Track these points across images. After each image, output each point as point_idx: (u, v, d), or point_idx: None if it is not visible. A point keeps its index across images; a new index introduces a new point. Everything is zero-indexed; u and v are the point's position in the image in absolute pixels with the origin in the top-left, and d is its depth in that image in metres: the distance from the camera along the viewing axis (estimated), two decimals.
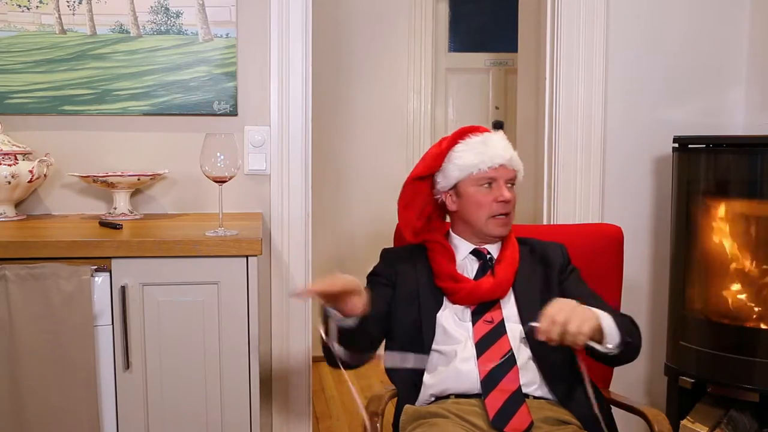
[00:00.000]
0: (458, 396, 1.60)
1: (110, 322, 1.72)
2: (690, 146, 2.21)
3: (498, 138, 1.75)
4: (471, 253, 1.76)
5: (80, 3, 2.18)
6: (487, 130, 1.78)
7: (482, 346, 1.62)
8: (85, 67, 2.20)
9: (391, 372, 1.72)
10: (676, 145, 2.25)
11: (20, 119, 2.19)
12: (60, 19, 2.18)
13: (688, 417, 2.21)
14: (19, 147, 2.08)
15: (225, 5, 2.23)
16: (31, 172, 2.05)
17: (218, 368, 1.76)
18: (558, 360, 1.61)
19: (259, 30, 2.25)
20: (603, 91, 2.38)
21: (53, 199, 2.24)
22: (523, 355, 1.62)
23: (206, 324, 1.75)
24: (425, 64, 3.93)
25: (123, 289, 1.70)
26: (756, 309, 2.14)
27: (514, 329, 1.65)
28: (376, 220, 3.79)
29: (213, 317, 1.75)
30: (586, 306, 1.47)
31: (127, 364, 1.73)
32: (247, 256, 1.74)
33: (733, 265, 2.18)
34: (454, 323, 1.68)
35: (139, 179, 2.11)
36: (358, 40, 3.78)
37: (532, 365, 1.62)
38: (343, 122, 3.80)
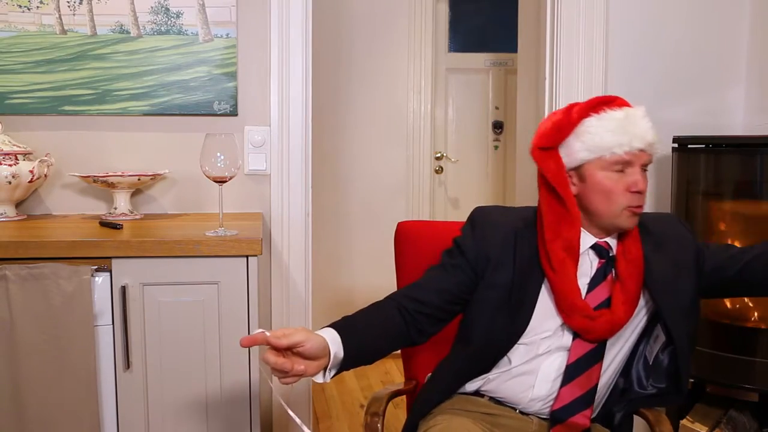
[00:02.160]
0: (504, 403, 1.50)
1: (110, 322, 1.72)
2: (690, 146, 2.21)
3: (641, 115, 1.43)
4: (591, 248, 1.47)
5: (80, 3, 2.19)
6: (626, 104, 1.47)
7: (572, 371, 1.44)
8: (85, 67, 2.20)
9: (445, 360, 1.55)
10: (676, 145, 2.26)
11: (21, 119, 2.19)
12: (60, 19, 2.19)
13: (687, 417, 2.21)
14: (19, 147, 2.08)
15: (225, 5, 2.23)
16: (31, 172, 2.05)
17: (218, 368, 1.76)
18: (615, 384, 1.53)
19: (259, 30, 2.25)
20: (603, 91, 2.38)
21: (53, 199, 2.24)
22: (602, 381, 1.48)
23: (206, 324, 1.75)
24: (425, 64, 3.93)
25: (123, 289, 1.70)
26: (756, 309, 2.14)
27: (612, 347, 1.47)
28: (376, 220, 3.79)
29: (213, 317, 1.75)
30: None
31: (128, 364, 1.73)
32: (247, 256, 1.74)
33: None
34: (548, 317, 1.45)
35: (139, 179, 2.11)
36: (358, 40, 3.78)
37: (602, 392, 1.50)
38: (343, 122, 3.80)
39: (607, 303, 1.44)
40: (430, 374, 1.61)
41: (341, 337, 1.34)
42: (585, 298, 1.45)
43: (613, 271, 1.47)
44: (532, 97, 2.71)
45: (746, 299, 2.16)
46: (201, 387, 1.76)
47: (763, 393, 2.04)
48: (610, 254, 1.47)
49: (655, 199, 2.46)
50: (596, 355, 1.45)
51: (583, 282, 1.46)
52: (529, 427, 1.48)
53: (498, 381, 1.49)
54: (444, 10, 4.05)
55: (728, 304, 2.19)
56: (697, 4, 2.42)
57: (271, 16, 2.24)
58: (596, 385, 1.45)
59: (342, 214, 3.85)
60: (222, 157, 1.76)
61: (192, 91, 2.24)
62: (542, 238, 1.45)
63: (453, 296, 1.48)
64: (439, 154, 4.08)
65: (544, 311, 1.46)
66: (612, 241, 1.48)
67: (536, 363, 1.46)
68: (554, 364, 1.46)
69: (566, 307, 1.43)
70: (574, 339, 1.45)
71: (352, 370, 1.42)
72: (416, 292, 1.48)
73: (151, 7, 2.21)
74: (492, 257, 1.47)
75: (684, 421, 2.20)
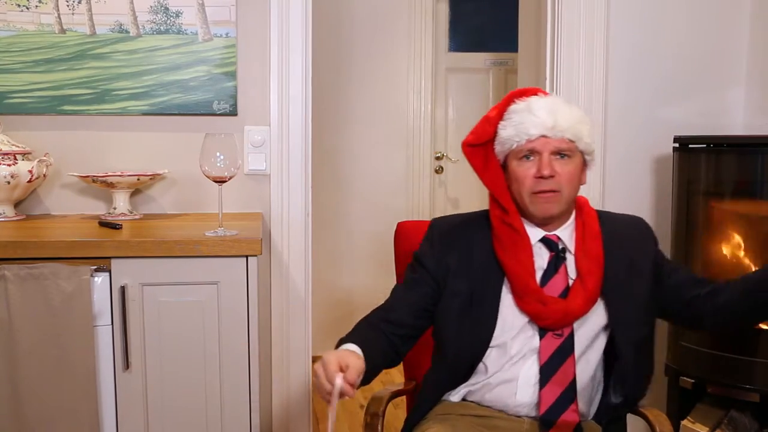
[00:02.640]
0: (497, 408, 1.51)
1: (110, 322, 1.72)
2: (690, 146, 2.21)
3: (544, 102, 1.47)
4: (540, 241, 1.51)
5: (80, 3, 2.18)
6: (537, 93, 1.51)
7: (547, 371, 1.44)
8: (84, 66, 2.20)
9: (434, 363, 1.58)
10: (677, 144, 2.25)
11: (20, 119, 2.18)
12: (59, 18, 2.18)
13: (688, 417, 2.20)
14: (18, 147, 2.08)
15: (225, 5, 2.22)
16: (30, 172, 2.05)
17: (218, 368, 1.76)
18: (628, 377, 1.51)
19: (259, 30, 2.25)
20: (603, 91, 2.38)
21: (53, 199, 2.24)
22: (584, 376, 1.48)
23: (206, 324, 1.75)
24: (425, 64, 3.93)
25: (123, 289, 1.70)
26: None
27: (583, 338, 1.48)
28: (376, 220, 3.79)
29: (213, 317, 1.75)
30: None
31: (127, 364, 1.73)
32: (247, 256, 1.73)
33: (733, 265, 2.17)
34: (513, 316, 1.47)
35: (138, 179, 2.11)
36: (358, 40, 3.78)
37: (588, 387, 1.50)
38: (343, 122, 3.80)
39: (564, 295, 1.47)
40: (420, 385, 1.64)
41: (363, 354, 1.39)
42: (542, 288, 1.48)
43: (574, 267, 1.49)
44: None
45: None
46: (200, 387, 1.76)
47: (764, 393, 2.04)
48: (560, 246, 1.50)
49: (656, 199, 2.46)
50: (566, 349, 1.46)
51: (537, 275, 1.49)
52: (521, 427, 1.48)
53: (481, 392, 1.51)
54: (444, 10, 4.05)
55: None
56: (697, 5, 2.42)
57: (271, 16, 2.23)
58: (574, 379, 1.45)
59: (342, 214, 3.85)
60: (222, 157, 1.76)
61: (191, 90, 2.24)
62: (493, 230, 1.51)
63: (420, 310, 1.53)
64: (439, 154, 4.07)
65: (508, 310, 1.48)
66: (563, 234, 1.51)
67: (514, 370, 1.47)
68: (531, 370, 1.47)
69: (520, 290, 1.46)
70: (540, 339, 1.46)
71: None
72: (390, 314, 1.52)
73: (151, 7, 2.21)
74: (451, 265, 1.52)
75: (685, 422, 2.19)
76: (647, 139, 2.43)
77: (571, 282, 1.48)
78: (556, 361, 1.45)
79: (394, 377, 3.37)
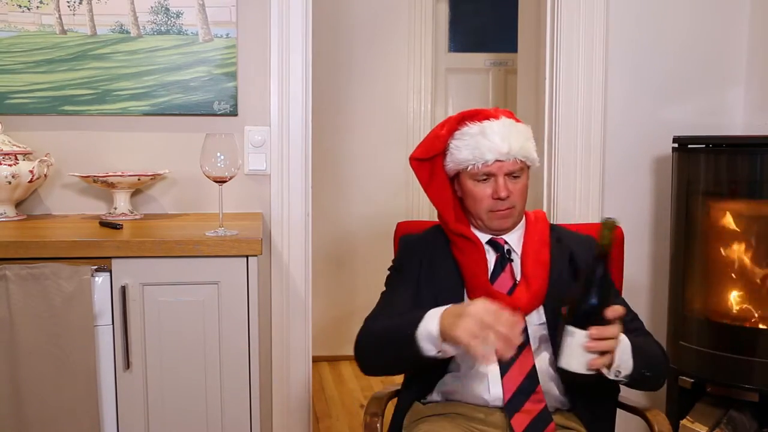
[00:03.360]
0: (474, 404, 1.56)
1: (110, 322, 1.72)
2: (690, 146, 2.21)
3: (497, 127, 1.56)
4: (487, 243, 1.63)
5: (80, 3, 2.19)
6: (489, 116, 1.60)
7: (507, 361, 1.48)
8: (85, 67, 2.20)
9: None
10: (676, 145, 2.26)
11: (21, 119, 2.19)
12: (60, 19, 2.19)
13: (687, 417, 2.21)
14: (19, 147, 2.08)
15: (225, 5, 2.23)
16: (31, 172, 2.05)
17: (218, 368, 1.76)
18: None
19: (259, 30, 2.25)
20: (603, 91, 2.38)
21: (53, 199, 2.24)
22: (544, 364, 1.55)
23: (206, 324, 1.75)
24: (425, 64, 3.93)
25: (123, 289, 1.70)
26: (756, 309, 2.14)
27: (538, 332, 1.56)
28: (376, 220, 3.79)
29: (213, 317, 1.75)
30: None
31: (127, 364, 1.73)
32: (247, 256, 1.74)
33: (733, 265, 2.18)
34: None
35: (139, 179, 2.11)
36: (358, 40, 3.78)
37: (552, 375, 1.55)
38: (343, 122, 3.80)
39: (511, 293, 1.57)
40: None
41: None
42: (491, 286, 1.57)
43: (519, 269, 1.59)
44: (532, 97, 2.71)
45: (746, 299, 2.16)
46: (201, 387, 1.76)
47: (763, 393, 2.04)
48: (506, 248, 1.62)
49: (655, 199, 2.46)
50: (522, 343, 1.46)
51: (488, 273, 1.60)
52: (499, 420, 1.53)
53: (460, 391, 1.56)
54: (444, 10, 4.05)
55: (728, 304, 2.19)
56: (697, 4, 2.42)
57: (271, 16, 2.24)
58: (533, 366, 1.52)
59: (342, 214, 3.85)
60: (222, 157, 1.76)
61: (192, 91, 2.24)
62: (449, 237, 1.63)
63: (412, 305, 1.59)
64: None
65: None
66: (511, 238, 1.63)
67: (483, 366, 1.52)
68: (495, 363, 1.49)
69: (473, 285, 1.57)
70: None
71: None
72: (394, 311, 1.58)
73: (151, 7, 2.21)
74: (420, 275, 1.62)
75: (684, 421, 2.20)
76: (647, 139, 2.43)
77: (518, 281, 1.58)
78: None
79: (394, 377, 3.37)
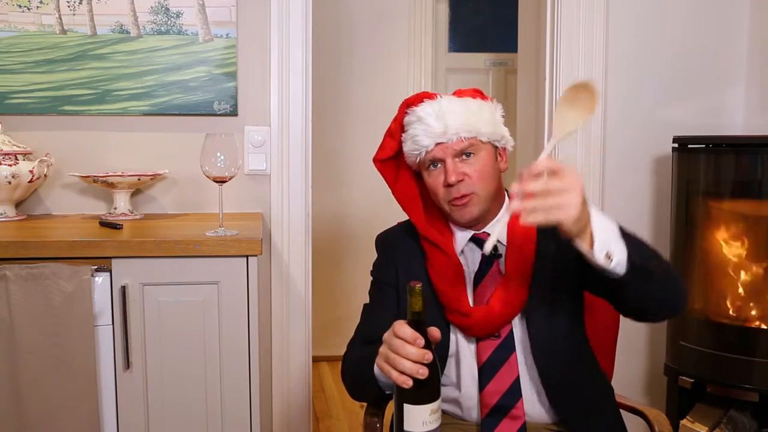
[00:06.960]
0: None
1: (110, 322, 1.72)
2: (690, 146, 2.22)
3: (430, 109, 1.42)
4: (470, 240, 1.47)
5: (80, 3, 2.19)
6: (425, 98, 1.46)
7: (487, 371, 1.40)
8: (85, 67, 2.20)
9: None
10: (676, 145, 2.26)
11: (21, 119, 2.19)
12: (60, 19, 2.19)
13: (687, 417, 2.21)
14: (19, 147, 2.08)
15: (225, 5, 2.23)
16: (31, 172, 2.05)
17: (218, 368, 1.76)
18: (566, 378, 1.42)
19: (259, 30, 2.26)
20: (603, 91, 2.38)
21: (53, 199, 2.24)
22: (530, 371, 1.41)
23: (206, 324, 1.75)
24: (425, 64, 3.93)
25: (123, 289, 1.71)
26: (755, 309, 2.14)
27: (523, 338, 1.42)
28: (376, 220, 3.77)
29: (213, 317, 1.75)
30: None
31: (128, 364, 1.73)
32: (247, 256, 1.74)
33: (733, 265, 2.18)
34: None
35: (139, 179, 2.11)
36: (358, 40, 3.78)
37: (538, 384, 1.41)
38: (343, 122, 3.80)
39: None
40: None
41: None
42: (474, 292, 1.44)
43: (503, 267, 1.44)
44: (532, 97, 2.72)
45: (746, 299, 2.16)
46: (201, 387, 1.76)
47: (763, 393, 2.05)
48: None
49: (655, 199, 2.46)
50: (506, 349, 1.41)
51: (470, 277, 1.46)
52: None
53: (452, 403, 1.47)
54: (444, 10, 4.05)
55: (728, 304, 2.19)
56: (697, 4, 2.42)
57: (271, 16, 2.24)
58: (517, 378, 1.40)
59: (342, 214, 3.85)
60: (222, 157, 1.76)
61: (192, 91, 2.24)
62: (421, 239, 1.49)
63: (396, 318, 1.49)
64: None
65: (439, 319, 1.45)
66: (495, 228, 1.32)
67: (468, 377, 1.43)
68: (472, 370, 1.43)
69: (445, 304, 1.43)
70: (478, 342, 1.43)
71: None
72: (375, 335, 1.39)
73: (151, 7, 2.21)
74: (398, 278, 1.52)
75: (684, 421, 2.20)
76: (647, 139, 2.43)
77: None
78: (495, 362, 1.41)
79: None
